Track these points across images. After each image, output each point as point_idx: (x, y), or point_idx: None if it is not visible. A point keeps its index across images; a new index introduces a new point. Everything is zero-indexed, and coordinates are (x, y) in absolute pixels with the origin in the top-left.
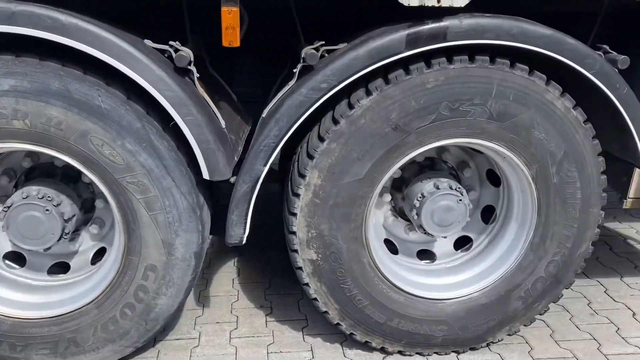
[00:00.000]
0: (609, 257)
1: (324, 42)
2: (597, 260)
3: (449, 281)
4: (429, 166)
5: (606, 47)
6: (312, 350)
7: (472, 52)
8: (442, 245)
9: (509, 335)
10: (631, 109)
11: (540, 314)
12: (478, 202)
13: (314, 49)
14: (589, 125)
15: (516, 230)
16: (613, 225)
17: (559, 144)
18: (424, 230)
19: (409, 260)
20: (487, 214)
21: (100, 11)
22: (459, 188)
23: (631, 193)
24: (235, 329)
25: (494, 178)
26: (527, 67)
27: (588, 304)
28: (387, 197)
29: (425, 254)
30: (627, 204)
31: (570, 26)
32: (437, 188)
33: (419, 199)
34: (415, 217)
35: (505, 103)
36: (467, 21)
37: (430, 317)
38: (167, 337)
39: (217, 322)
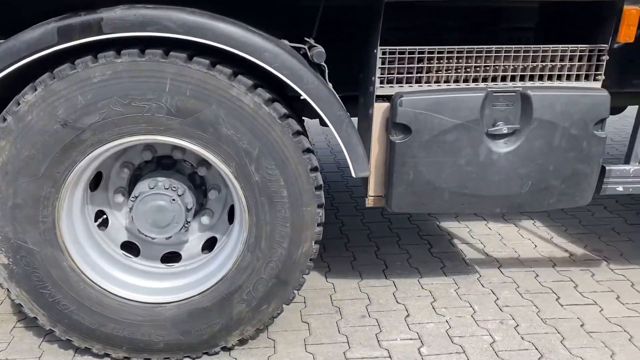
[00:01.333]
0: (422, 257)
1: None
2: (407, 261)
3: (173, 284)
4: (169, 165)
5: (311, 41)
6: (40, 357)
7: (157, 45)
8: (190, 248)
9: (244, 339)
10: (324, 103)
11: (274, 317)
12: (225, 201)
13: None
14: (287, 122)
15: (237, 230)
16: (448, 224)
17: (252, 141)
18: (141, 232)
19: (148, 263)
20: None
21: None
22: (175, 188)
23: (370, 191)
24: None
25: None
26: (207, 62)
27: (367, 305)
28: (120, 198)
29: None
30: (369, 202)
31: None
32: (151, 188)
33: (132, 199)
34: (131, 218)
35: (183, 99)
36: (124, 12)
37: (148, 322)
38: None
39: None
